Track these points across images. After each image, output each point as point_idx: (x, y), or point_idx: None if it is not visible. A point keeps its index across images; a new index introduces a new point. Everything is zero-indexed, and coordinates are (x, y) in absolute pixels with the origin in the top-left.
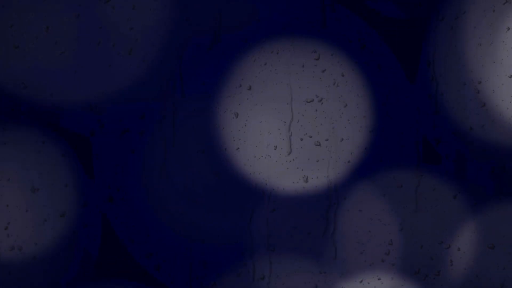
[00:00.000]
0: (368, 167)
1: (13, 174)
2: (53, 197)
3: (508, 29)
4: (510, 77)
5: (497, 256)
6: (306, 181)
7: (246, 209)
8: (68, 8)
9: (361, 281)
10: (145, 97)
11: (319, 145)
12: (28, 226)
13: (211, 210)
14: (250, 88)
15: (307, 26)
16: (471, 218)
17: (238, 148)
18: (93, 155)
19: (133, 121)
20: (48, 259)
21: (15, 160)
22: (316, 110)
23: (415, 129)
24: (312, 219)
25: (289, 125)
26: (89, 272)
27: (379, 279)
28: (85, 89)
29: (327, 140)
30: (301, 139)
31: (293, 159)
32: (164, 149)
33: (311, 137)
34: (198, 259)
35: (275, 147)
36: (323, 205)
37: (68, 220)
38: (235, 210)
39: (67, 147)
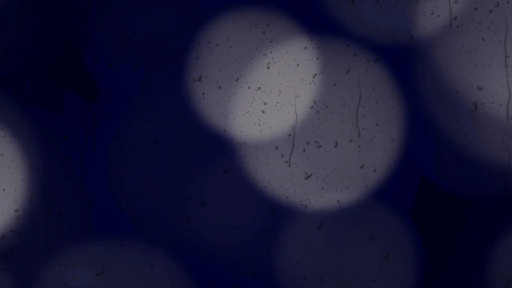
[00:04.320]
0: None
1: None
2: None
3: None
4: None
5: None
6: (307, 178)
7: (249, 214)
8: None
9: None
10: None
11: (320, 147)
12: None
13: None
14: (259, 89)
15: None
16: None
17: (242, 145)
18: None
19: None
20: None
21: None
22: (318, 113)
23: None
24: (312, 229)
25: (294, 127)
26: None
27: (373, 280)
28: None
29: (327, 142)
30: (307, 143)
31: (295, 163)
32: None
33: (317, 142)
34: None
35: (282, 155)
36: (325, 209)
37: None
38: (239, 214)
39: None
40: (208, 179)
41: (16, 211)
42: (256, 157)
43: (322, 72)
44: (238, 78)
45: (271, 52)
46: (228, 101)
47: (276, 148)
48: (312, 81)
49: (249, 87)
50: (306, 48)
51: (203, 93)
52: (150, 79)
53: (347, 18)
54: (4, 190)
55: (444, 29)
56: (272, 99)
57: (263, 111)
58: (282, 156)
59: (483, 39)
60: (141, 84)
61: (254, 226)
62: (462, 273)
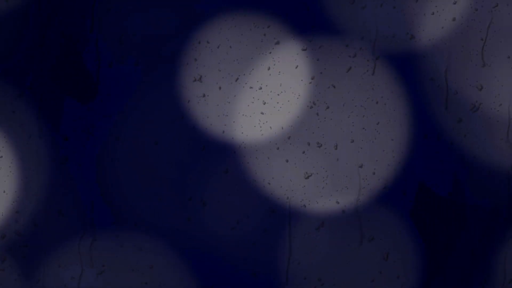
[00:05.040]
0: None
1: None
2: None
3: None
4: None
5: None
6: (307, 178)
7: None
8: None
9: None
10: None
11: (320, 147)
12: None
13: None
14: (260, 89)
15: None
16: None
17: (242, 145)
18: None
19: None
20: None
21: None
22: (318, 113)
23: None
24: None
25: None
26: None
27: (372, 280)
28: None
29: (327, 142)
30: (307, 143)
31: (295, 163)
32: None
33: (317, 142)
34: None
35: (282, 155)
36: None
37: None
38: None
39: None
40: (208, 179)
41: (16, 211)
42: (256, 157)
43: (321, 72)
44: (238, 79)
45: (270, 53)
46: (228, 102)
47: (277, 148)
48: (312, 81)
49: (250, 88)
50: (306, 48)
51: (203, 93)
52: (150, 79)
53: (347, 18)
54: (4, 192)
55: (444, 29)
56: (272, 100)
57: (263, 112)
58: (282, 156)
59: (482, 39)
60: (141, 84)
61: (254, 226)
62: (462, 273)
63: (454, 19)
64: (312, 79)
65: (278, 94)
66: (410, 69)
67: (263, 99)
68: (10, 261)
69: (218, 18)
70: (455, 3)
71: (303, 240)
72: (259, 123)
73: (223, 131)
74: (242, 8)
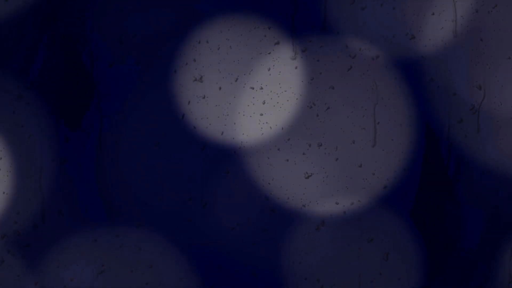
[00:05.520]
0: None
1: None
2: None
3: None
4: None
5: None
6: (307, 178)
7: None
8: None
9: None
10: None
11: (320, 146)
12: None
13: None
14: (261, 89)
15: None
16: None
17: (242, 145)
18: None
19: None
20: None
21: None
22: (318, 113)
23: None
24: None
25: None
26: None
27: (372, 280)
28: None
29: (326, 143)
30: (307, 144)
31: (295, 163)
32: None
33: (317, 142)
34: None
35: (282, 155)
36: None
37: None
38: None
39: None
40: (208, 179)
41: (16, 211)
42: (256, 158)
43: (321, 73)
44: (238, 79)
45: (269, 53)
46: (228, 102)
47: (277, 149)
48: (312, 82)
49: (250, 88)
50: (306, 49)
51: (203, 94)
52: (150, 79)
53: (347, 18)
54: (4, 192)
55: (444, 30)
56: (272, 100)
57: (262, 112)
58: (282, 156)
59: (482, 39)
60: (141, 84)
61: (254, 226)
62: (462, 273)
63: (454, 19)
64: (312, 79)
65: (278, 95)
66: (410, 69)
67: (263, 100)
68: (10, 261)
69: (218, 18)
70: (455, 3)
71: (303, 240)
72: (259, 123)
73: (223, 132)
74: (242, 8)
